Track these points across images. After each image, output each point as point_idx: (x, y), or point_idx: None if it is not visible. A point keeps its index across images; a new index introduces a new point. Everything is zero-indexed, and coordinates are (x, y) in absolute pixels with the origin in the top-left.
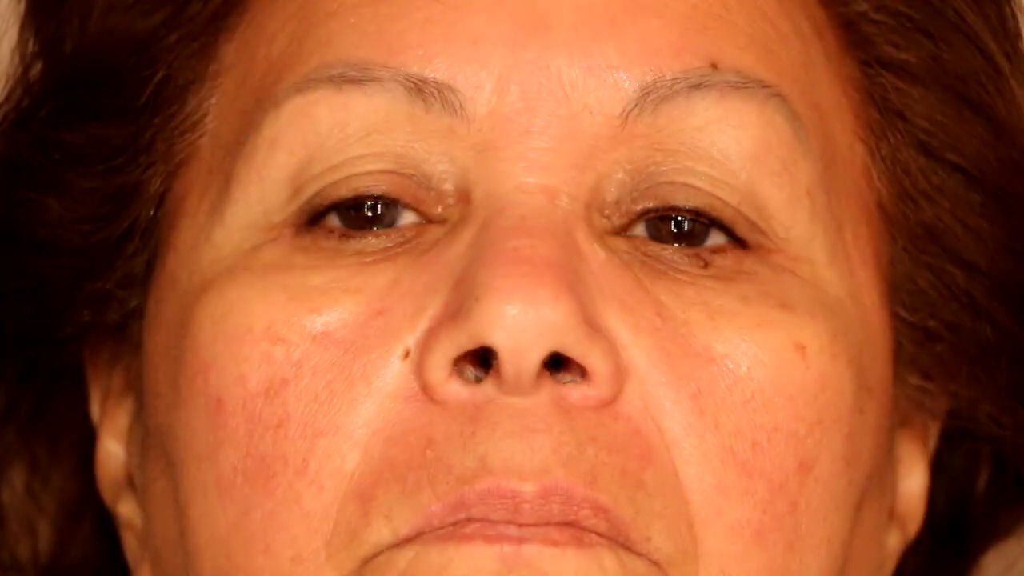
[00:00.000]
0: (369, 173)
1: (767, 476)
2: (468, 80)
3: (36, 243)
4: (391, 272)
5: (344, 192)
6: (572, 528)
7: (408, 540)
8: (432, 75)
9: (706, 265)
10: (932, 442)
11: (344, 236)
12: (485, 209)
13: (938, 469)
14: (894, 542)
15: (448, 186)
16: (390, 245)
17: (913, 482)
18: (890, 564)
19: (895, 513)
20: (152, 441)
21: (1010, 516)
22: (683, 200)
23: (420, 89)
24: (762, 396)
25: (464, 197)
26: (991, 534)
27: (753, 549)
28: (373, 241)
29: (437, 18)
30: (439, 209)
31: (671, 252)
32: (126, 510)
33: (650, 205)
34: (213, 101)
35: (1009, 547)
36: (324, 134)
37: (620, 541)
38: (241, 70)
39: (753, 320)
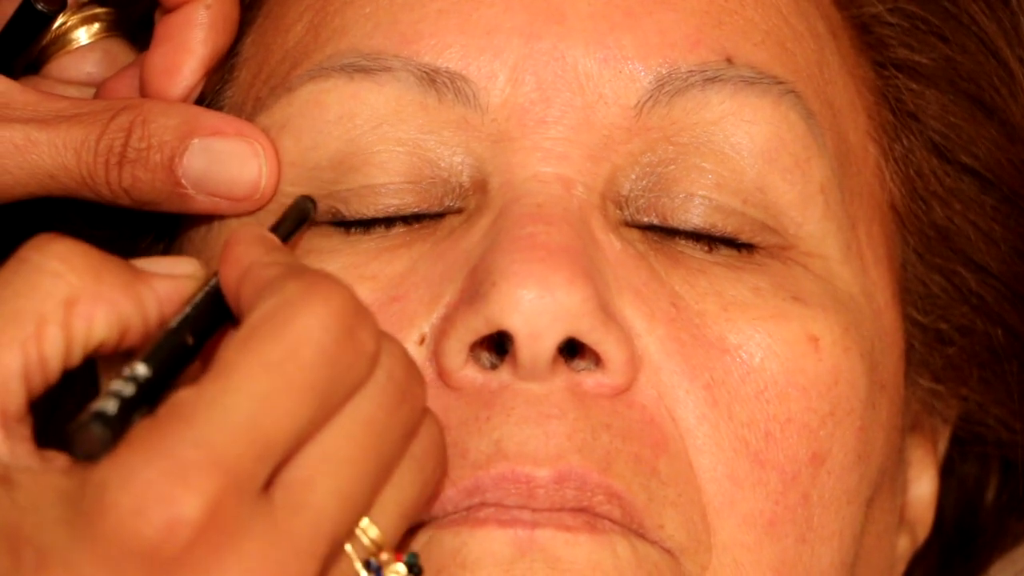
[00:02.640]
0: (387, 185)
1: (780, 467)
2: (482, 70)
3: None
4: (407, 259)
5: (368, 211)
6: (586, 514)
7: (423, 524)
8: (445, 65)
9: (710, 250)
10: (942, 446)
11: (367, 230)
12: (502, 198)
13: (948, 476)
14: (903, 546)
15: (465, 178)
16: (406, 229)
17: (923, 487)
18: (900, 567)
19: (904, 518)
20: None
21: (1019, 524)
22: (682, 222)
23: (433, 79)
24: (775, 387)
25: (480, 187)
26: (1000, 542)
27: (766, 539)
28: (393, 231)
29: (451, 9)
30: (457, 203)
31: (681, 243)
32: None
33: (655, 222)
34: (229, 93)
35: (1018, 555)
36: (332, 122)
37: (633, 528)
38: (257, 61)
39: (766, 311)
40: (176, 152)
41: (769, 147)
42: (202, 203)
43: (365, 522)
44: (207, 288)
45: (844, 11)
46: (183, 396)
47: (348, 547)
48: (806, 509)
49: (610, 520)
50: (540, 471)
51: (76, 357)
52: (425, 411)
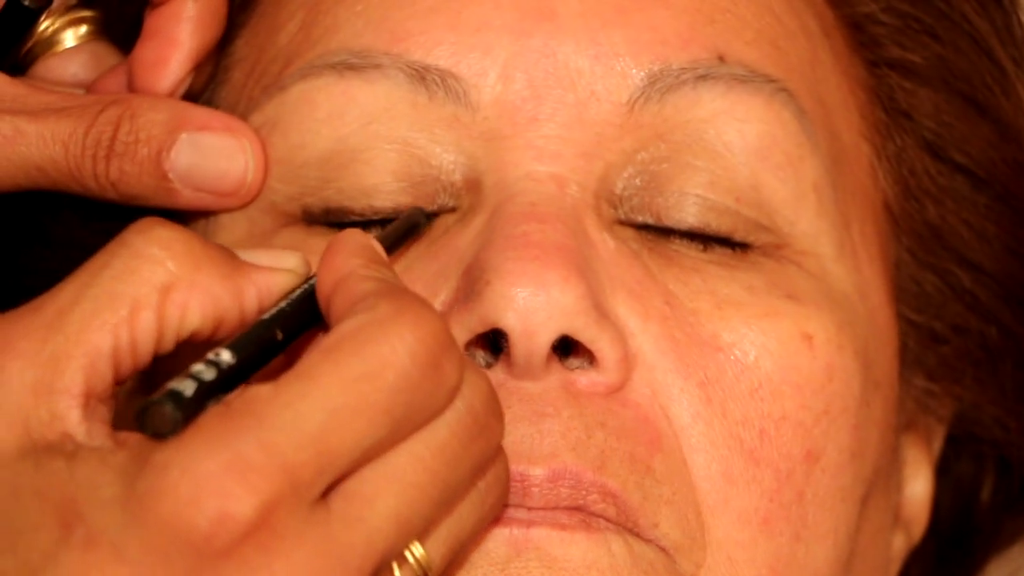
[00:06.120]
0: (378, 185)
1: (774, 465)
2: (472, 67)
3: (49, 240)
4: (402, 260)
5: (362, 211)
6: (581, 512)
7: None
8: (435, 63)
9: (705, 249)
10: (937, 446)
11: (360, 229)
12: (495, 197)
13: (944, 475)
14: (899, 545)
15: (457, 176)
16: None
17: (918, 486)
18: (895, 566)
19: (900, 517)
20: None
21: (1015, 523)
22: (677, 222)
23: (423, 77)
24: (769, 385)
25: (474, 186)
26: (995, 541)
27: (760, 537)
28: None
29: (442, 7)
30: (450, 202)
31: (676, 242)
32: None
33: (650, 221)
34: (223, 93)
35: (1014, 554)
36: (321, 120)
37: (628, 527)
38: (251, 61)
39: (760, 309)
40: (164, 146)
41: (762, 145)
42: (188, 198)
43: (417, 547)
44: (304, 287)
45: (837, 10)
46: (259, 392)
47: (396, 571)
48: (800, 507)
49: (605, 519)
50: (535, 470)
51: (168, 344)
52: (499, 448)
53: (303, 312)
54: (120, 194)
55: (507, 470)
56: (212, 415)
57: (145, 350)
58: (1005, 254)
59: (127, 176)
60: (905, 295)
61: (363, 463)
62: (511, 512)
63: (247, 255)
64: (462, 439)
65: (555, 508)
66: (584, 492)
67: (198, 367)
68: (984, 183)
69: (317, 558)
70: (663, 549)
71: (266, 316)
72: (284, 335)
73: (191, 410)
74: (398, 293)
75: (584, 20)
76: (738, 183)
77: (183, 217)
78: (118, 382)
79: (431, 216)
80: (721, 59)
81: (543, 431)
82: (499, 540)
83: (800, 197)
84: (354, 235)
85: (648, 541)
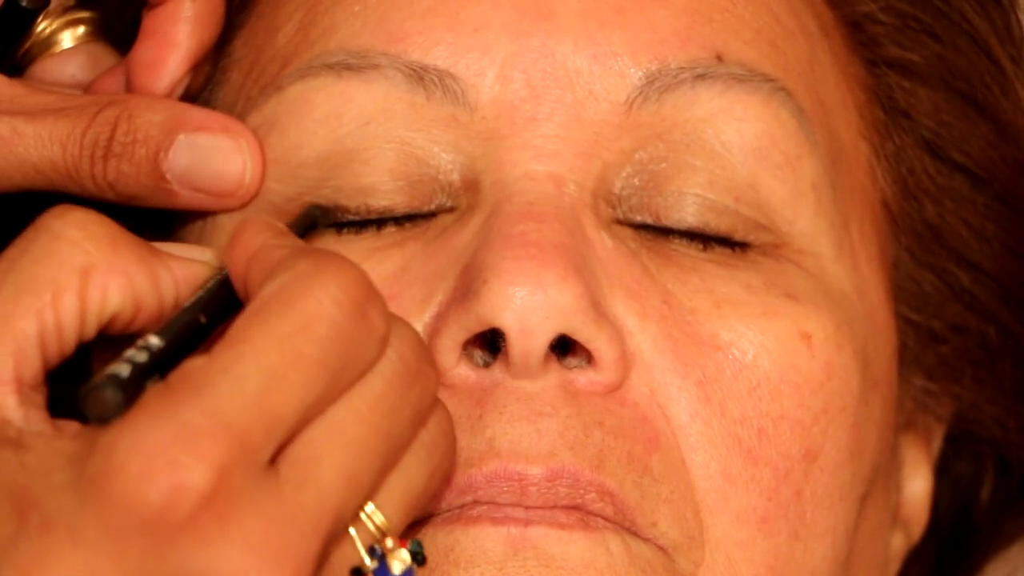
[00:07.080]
0: (375, 184)
1: (773, 464)
2: (470, 67)
3: None
4: (399, 259)
5: (358, 210)
6: (578, 511)
7: (416, 523)
8: (433, 63)
9: (705, 248)
10: (936, 445)
11: (359, 230)
12: (493, 196)
13: (943, 474)
14: (898, 545)
15: (455, 176)
16: (397, 228)
17: (917, 485)
18: (894, 566)
19: (899, 516)
20: None
21: (1014, 523)
22: (676, 221)
23: (420, 77)
24: (768, 384)
25: (472, 185)
26: (995, 541)
27: (759, 536)
28: (384, 232)
29: (440, 7)
30: (448, 201)
31: (675, 242)
32: None
33: (648, 221)
34: (221, 93)
35: (1012, 554)
36: (319, 121)
37: (626, 526)
38: (249, 61)
39: (759, 308)
40: (161, 147)
41: (760, 144)
42: (186, 198)
43: (370, 507)
44: (219, 277)
45: (836, 9)
46: (195, 365)
47: (352, 531)
48: (799, 506)
49: (603, 518)
50: (532, 469)
51: (91, 328)
52: (436, 399)
53: (222, 299)
54: (118, 195)
55: (450, 422)
56: (152, 393)
57: (70, 334)
58: (1004, 253)
59: (125, 177)
60: (904, 294)
61: (306, 422)
62: (508, 511)
63: (162, 247)
64: (397, 389)
65: (553, 507)
66: (582, 491)
67: (130, 352)
68: (983, 182)
69: (271, 524)
70: (661, 548)
71: (187, 304)
72: (207, 320)
73: (131, 391)
74: (314, 251)
75: (582, 20)
76: (737, 182)
77: (183, 217)
78: (47, 368)
79: (327, 213)
80: (719, 58)
81: (541, 430)
82: (496, 539)
83: (799, 196)
84: (256, 218)
85: (646, 540)
